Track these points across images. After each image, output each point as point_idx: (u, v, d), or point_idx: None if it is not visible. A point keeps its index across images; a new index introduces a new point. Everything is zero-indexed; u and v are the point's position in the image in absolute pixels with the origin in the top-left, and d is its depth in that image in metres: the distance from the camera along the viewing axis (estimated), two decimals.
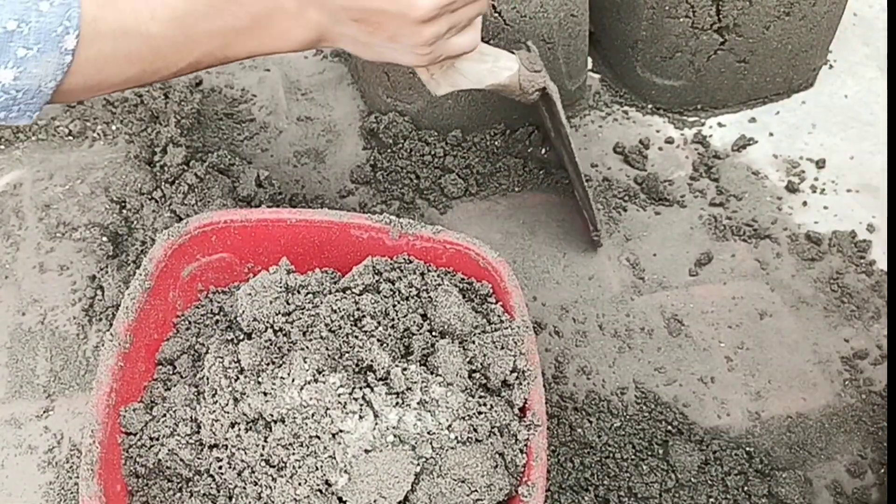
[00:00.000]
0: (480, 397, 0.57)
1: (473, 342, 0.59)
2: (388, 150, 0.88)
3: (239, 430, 0.56)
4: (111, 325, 0.60)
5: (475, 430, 0.55)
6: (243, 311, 0.61)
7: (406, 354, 0.60)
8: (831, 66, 1.00)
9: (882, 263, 0.81)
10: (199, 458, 0.57)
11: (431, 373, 0.56)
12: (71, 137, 0.89)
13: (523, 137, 0.90)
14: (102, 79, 0.53)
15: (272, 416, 0.54)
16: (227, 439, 0.56)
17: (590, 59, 0.98)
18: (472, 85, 0.70)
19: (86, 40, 0.49)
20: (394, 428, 0.54)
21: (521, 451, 0.56)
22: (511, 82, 0.72)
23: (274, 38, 0.59)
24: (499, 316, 0.62)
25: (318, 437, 0.53)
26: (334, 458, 0.53)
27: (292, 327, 0.60)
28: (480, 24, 0.65)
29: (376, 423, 0.54)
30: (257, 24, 0.57)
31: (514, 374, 0.59)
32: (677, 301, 0.78)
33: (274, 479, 0.54)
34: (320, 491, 0.53)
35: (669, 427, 0.69)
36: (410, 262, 0.66)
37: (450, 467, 0.54)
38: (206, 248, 0.66)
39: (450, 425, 0.55)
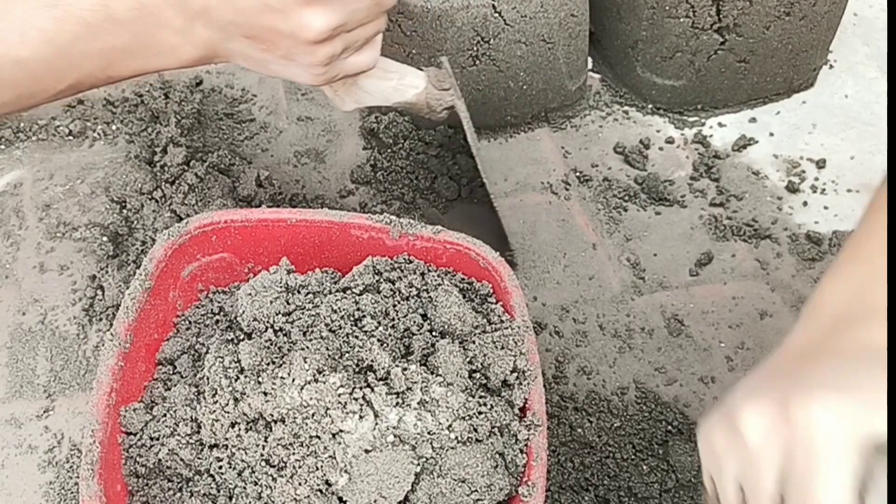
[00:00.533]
0: (481, 397, 0.57)
1: (474, 342, 0.59)
2: (388, 150, 0.88)
3: (239, 429, 0.56)
4: (111, 325, 0.60)
5: (475, 430, 0.55)
6: (243, 311, 0.61)
7: (406, 354, 0.60)
8: (831, 66, 1.00)
9: None
10: (199, 458, 0.57)
11: (432, 373, 0.56)
12: (71, 137, 0.89)
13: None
14: None
15: (272, 415, 0.54)
16: (227, 439, 0.56)
17: (590, 59, 0.98)
18: (378, 102, 0.69)
19: None
20: (394, 428, 0.54)
21: (522, 451, 0.56)
22: (418, 100, 0.71)
23: (160, 56, 0.56)
24: (499, 316, 0.62)
25: (319, 437, 0.53)
26: (334, 458, 0.53)
27: (292, 327, 0.60)
28: (380, 43, 0.63)
29: (376, 423, 0.54)
30: (140, 42, 0.55)
31: (515, 374, 0.59)
32: (678, 301, 0.78)
33: (274, 479, 0.54)
34: (320, 491, 0.53)
35: (670, 427, 0.69)
36: (411, 262, 0.66)
37: (450, 467, 0.54)
38: (207, 248, 0.66)
39: (450, 425, 0.55)
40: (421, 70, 0.71)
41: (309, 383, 0.53)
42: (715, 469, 0.42)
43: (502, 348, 0.59)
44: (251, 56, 0.58)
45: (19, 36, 0.50)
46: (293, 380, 0.53)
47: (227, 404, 0.56)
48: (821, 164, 0.90)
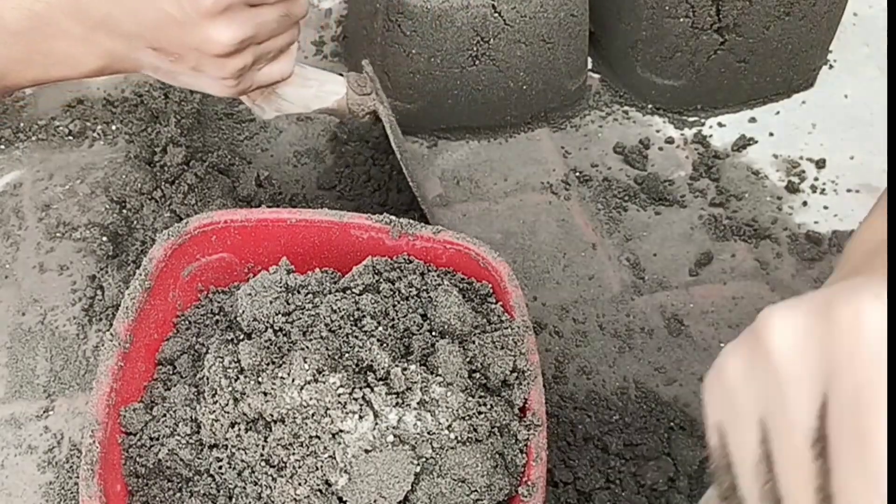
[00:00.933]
0: (480, 397, 0.57)
1: (473, 342, 0.59)
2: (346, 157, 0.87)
3: (239, 430, 0.56)
4: (111, 325, 0.60)
5: (475, 430, 0.55)
6: (243, 311, 0.61)
7: (406, 354, 0.60)
8: (831, 66, 1.00)
9: None
10: (199, 458, 0.57)
11: (431, 373, 0.56)
12: (71, 137, 0.89)
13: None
14: None
15: (272, 416, 0.54)
16: (227, 439, 0.56)
17: (590, 59, 0.98)
18: (299, 110, 0.70)
19: None
20: (394, 428, 0.54)
21: (521, 451, 0.56)
22: (339, 106, 0.71)
23: (59, 66, 0.55)
24: (499, 316, 0.62)
25: (318, 437, 0.53)
26: (334, 458, 0.53)
27: (292, 327, 0.60)
28: (294, 52, 0.63)
29: (376, 423, 0.54)
30: (36, 51, 0.53)
31: (514, 374, 0.59)
32: (677, 301, 0.78)
33: (274, 479, 0.54)
34: (320, 491, 0.53)
35: (671, 425, 0.69)
36: (410, 261, 0.66)
37: (450, 467, 0.54)
38: (206, 248, 0.66)
39: (450, 425, 0.55)
40: (341, 76, 0.72)
41: (309, 383, 0.53)
42: (727, 410, 0.31)
43: (502, 348, 0.59)
44: (159, 67, 0.57)
45: None
46: (293, 380, 0.53)
47: (226, 404, 0.56)
48: (821, 164, 0.90)
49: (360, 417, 0.53)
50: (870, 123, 0.94)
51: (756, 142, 0.92)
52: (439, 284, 0.63)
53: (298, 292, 0.63)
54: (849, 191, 0.88)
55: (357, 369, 0.57)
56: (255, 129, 0.92)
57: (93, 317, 0.74)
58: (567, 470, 0.65)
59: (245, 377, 0.56)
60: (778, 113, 0.96)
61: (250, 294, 0.61)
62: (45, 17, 0.51)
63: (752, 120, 0.95)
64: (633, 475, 0.65)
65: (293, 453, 0.54)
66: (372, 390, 0.54)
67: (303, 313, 0.61)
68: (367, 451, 0.53)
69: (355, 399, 0.54)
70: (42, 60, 0.54)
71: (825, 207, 0.86)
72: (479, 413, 0.56)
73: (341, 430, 0.53)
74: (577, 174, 0.89)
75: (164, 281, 0.64)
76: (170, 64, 0.56)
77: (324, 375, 0.54)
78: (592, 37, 0.95)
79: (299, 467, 0.53)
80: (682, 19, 0.87)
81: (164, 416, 0.59)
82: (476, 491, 0.54)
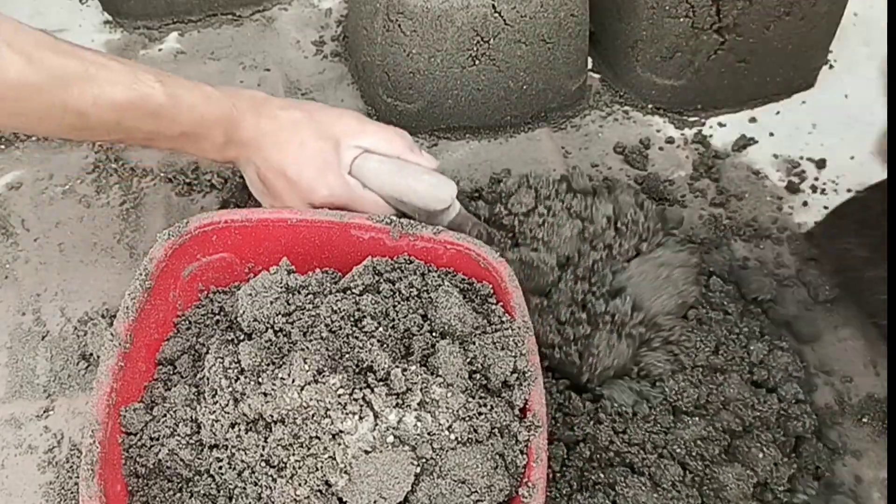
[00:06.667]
0: (481, 398, 0.57)
1: (474, 343, 0.59)
2: None
3: (239, 430, 0.56)
4: (111, 324, 0.60)
5: (475, 431, 0.55)
6: (244, 312, 0.61)
7: (406, 355, 0.60)
8: (831, 66, 1.00)
9: None
10: (199, 459, 0.57)
11: (432, 373, 0.56)
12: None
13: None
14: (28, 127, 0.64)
15: (272, 416, 0.54)
16: (227, 439, 0.56)
17: (590, 59, 0.98)
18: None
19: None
20: (394, 429, 0.54)
21: (522, 451, 0.56)
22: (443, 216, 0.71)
23: (192, 150, 0.67)
24: (499, 316, 0.62)
25: (318, 438, 0.53)
26: (334, 458, 0.53)
27: (293, 328, 0.60)
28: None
29: (376, 424, 0.54)
30: (184, 137, 0.65)
31: (515, 375, 0.59)
32: None
33: (274, 480, 0.54)
34: (320, 491, 0.53)
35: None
36: (411, 262, 0.66)
37: (450, 468, 0.54)
38: (207, 247, 0.66)
39: (450, 426, 0.55)
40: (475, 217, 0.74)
41: (309, 384, 0.53)
42: None
43: (503, 349, 0.59)
44: (254, 186, 0.72)
45: (93, 98, 0.58)
46: (293, 380, 0.53)
47: (227, 405, 0.56)
48: (821, 164, 0.90)
49: (361, 418, 0.53)
50: (870, 123, 0.94)
51: (756, 142, 0.92)
52: (440, 285, 0.63)
53: (299, 292, 0.63)
54: (849, 191, 0.88)
55: (357, 370, 0.57)
56: None
57: (93, 317, 0.74)
58: None
59: (245, 377, 0.56)
60: (778, 113, 0.96)
61: (251, 294, 0.61)
62: (205, 122, 0.65)
63: (753, 120, 0.95)
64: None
65: (293, 454, 0.54)
66: (372, 391, 0.54)
67: (303, 314, 0.61)
68: (367, 452, 0.53)
69: (355, 400, 0.54)
70: (183, 144, 0.66)
71: (825, 207, 0.86)
72: (480, 414, 0.56)
73: (341, 431, 0.53)
74: None
75: (165, 281, 0.64)
76: (262, 192, 0.72)
77: (324, 376, 0.54)
78: (592, 37, 0.95)
79: (299, 468, 0.53)
80: (682, 19, 0.87)
81: (165, 416, 0.59)
82: (476, 492, 0.54)
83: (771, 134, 0.93)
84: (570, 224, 0.72)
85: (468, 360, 0.58)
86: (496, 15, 0.82)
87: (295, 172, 0.68)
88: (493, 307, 0.63)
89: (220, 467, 0.56)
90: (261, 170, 0.69)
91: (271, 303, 0.61)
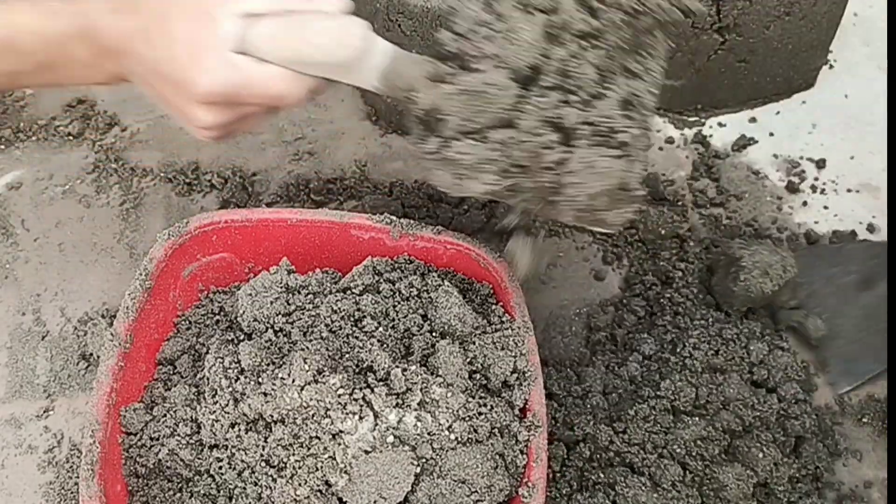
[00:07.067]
0: (481, 398, 0.57)
1: (474, 343, 0.59)
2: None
3: (239, 430, 0.56)
4: (111, 324, 0.60)
5: (475, 431, 0.55)
6: (244, 312, 0.61)
7: (406, 355, 0.60)
8: (831, 66, 1.00)
9: None
10: (199, 459, 0.57)
11: (432, 373, 0.56)
12: (71, 137, 0.89)
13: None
14: None
15: (272, 416, 0.54)
16: (227, 439, 0.56)
17: None
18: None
19: None
20: (394, 429, 0.54)
21: (522, 451, 0.56)
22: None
23: (70, 79, 0.59)
24: (499, 316, 0.62)
25: (318, 438, 0.53)
26: (334, 458, 0.53)
27: (293, 328, 0.60)
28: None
29: (376, 424, 0.54)
30: (46, 69, 0.57)
31: (515, 375, 0.59)
32: None
33: (274, 480, 0.54)
34: (320, 491, 0.53)
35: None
36: (411, 262, 0.66)
37: (450, 468, 0.54)
38: (207, 247, 0.66)
39: (450, 426, 0.55)
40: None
41: (309, 384, 0.53)
42: None
43: (503, 349, 0.59)
44: (154, 99, 0.59)
45: None
46: (293, 380, 0.53)
47: (227, 405, 0.56)
48: (821, 164, 0.90)
49: (361, 418, 0.53)
50: (870, 123, 0.94)
51: (756, 142, 0.92)
52: (440, 285, 0.63)
53: (299, 292, 0.63)
54: (849, 191, 0.88)
55: (357, 370, 0.57)
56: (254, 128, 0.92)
57: (93, 317, 0.74)
58: None
59: (245, 377, 0.56)
60: (778, 113, 0.96)
61: (251, 294, 0.61)
62: (54, 41, 0.56)
63: (753, 120, 0.95)
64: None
65: (293, 454, 0.54)
66: (372, 391, 0.54)
67: (303, 314, 0.61)
68: (367, 452, 0.53)
69: (355, 400, 0.54)
70: (53, 74, 0.58)
71: (825, 207, 0.86)
72: (480, 414, 0.56)
73: (341, 431, 0.53)
74: None
75: (165, 281, 0.64)
76: (161, 102, 0.59)
77: (324, 376, 0.54)
78: None
79: (299, 468, 0.53)
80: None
81: (165, 416, 0.59)
82: (476, 492, 0.54)
83: (771, 134, 0.93)
84: (527, 22, 0.52)
85: (468, 359, 0.58)
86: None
87: (167, 67, 0.55)
88: (493, 307, 0.63)
89: (220, 467, 0.56)
90: (141, 76, 0.57)
91: (271, 303, 0.61)
